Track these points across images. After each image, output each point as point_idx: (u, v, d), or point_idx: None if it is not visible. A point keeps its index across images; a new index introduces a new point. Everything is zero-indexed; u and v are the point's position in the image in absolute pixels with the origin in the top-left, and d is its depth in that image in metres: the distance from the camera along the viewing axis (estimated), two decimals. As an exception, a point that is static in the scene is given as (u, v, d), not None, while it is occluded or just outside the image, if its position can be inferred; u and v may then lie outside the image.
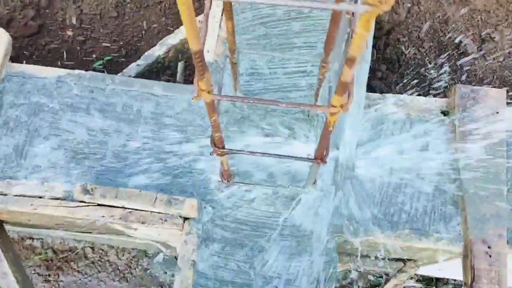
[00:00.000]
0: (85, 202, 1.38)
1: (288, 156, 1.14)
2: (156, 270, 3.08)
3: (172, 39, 1.77)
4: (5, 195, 1.39)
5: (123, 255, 3.13)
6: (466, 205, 1.34)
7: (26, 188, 1.40)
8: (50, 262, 3.07)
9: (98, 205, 1.39)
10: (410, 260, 1.61)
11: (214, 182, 1.40)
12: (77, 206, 1.38)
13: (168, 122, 1.47)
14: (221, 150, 1.09)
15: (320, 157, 1.09)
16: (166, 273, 3.09)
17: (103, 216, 1.37)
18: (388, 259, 1.63)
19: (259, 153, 1.10)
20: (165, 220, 1.37)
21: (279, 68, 1.50)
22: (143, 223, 1.37)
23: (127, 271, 3.09)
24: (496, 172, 1.37)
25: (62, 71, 1.54)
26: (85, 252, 3.10)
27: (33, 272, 3.04)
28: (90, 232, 1.71)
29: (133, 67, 1.74)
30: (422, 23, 2.72)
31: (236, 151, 1.10)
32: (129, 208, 1.38)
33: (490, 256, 1.30)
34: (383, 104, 1.48)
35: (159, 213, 1.38)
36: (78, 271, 3.07)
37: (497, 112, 1.43)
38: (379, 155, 1.43)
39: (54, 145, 1.46)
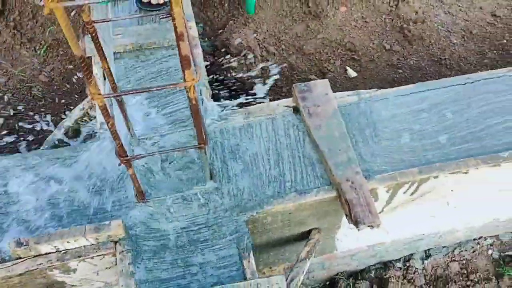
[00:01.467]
0: (21, 257, 1.55)
1: (180, 148, 1.48)
2: None
3: (68, 122, 2.09)
4: None
5: None
6: (326, 160, 1.77)
7: (-38, 265, 1.54)
8: None
9: (34, 256, 1.56)
10: (314, 229, 1.96)
11: (132, 205, 1.67)
12: (15, 264, 1.55)
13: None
14: (126, 158, 1.40)
15: (202, 142, 1.45)
16: None
17: (41, 264, 1.55)
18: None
19: (161, 151, 1.43)
20: (98, 248, 1.59)
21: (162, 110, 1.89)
22: (79, 257, 1.57)
23: None
24: (339, 131, 1.83)
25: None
26: None
27: None
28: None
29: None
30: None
31: (139, 156, 1.42)
32: (62, 251, 1.57)
33: (355, 188, 1.70)
34: (251, 115, 1.92)
35: (91, 244, 1.59)
36: None
37: (326, 94, 1.93)
38: (260, 150, 1.83)
39: (-18, 223, 1.64)
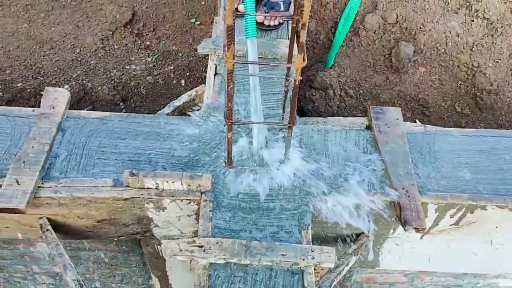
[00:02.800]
0: (129, 186, 1.95)
1: (269, 122, 1.84)
2: None
3: (177, 103, 2.55)
4: (70, 187, 1.94)
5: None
6: (388, 169, 2.05)
7: (85, 182, 1.96)
8: None
9: (139, 188, 1.95)
10: (362, 233, 2.20)
11: (220, 167, 2.04)
12: (125, 190, 1.94)
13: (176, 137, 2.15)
14: (231, 121, 1.78)
15: (292, 122, 1.81)
16: None
17: (142, 194, 1.93)
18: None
19: (260, 122, 1.80)
20: (188, 193, 1.95)
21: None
22: (172, 196, 1.94)
23: None
24: (402, 150, 2.12)
25: (106, 114, 2.23)
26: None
27: None
28: (121, 236, 2.18)
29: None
30: (348, 113, 3.69)
31: (242, 122, 1.79)
32: (160, 189, 1.95)
33: (408, 196, 1.96)
34: (328, 123, 2.26)
35: (183, 190, 1.96)
36: None
37: (397, 119, 2.24)
38: (332, 151, 2.16)
39: (104, 157, 2.07)
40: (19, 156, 1.95)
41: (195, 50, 4.31)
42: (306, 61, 1.58)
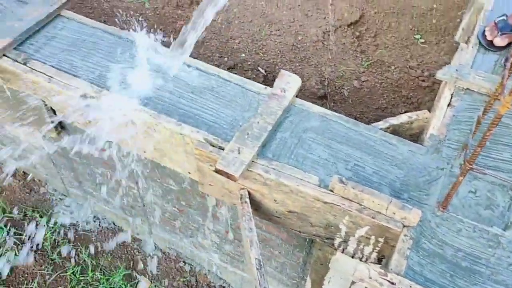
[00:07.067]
0: (334, 192, 1.92)
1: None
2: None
3: (394, 121, 2.43)
4: (279, 171, 1.99)
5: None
6: None
7: (294, 172, 1.99)
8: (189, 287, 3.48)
9: (342, 197, 1.91)
10: None
11: (430, 207, 1.87)
12: (328, 193, 1.92)
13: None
14: (471, 167, 1.60)
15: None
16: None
17: (343, 204, 1.89)
18: None
19: (508, 180, 1.58)
20: (390, 221, 1.84)
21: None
22: (373, 218, 1.85)
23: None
24: None
25: (326, 111, 2.23)
26: (223, 290, 3.47)
27: (171, 289, 3.45)
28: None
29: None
30: None
31: (484, 172, 1.61)
32: (363, 205, 1.88)
33: None
34: None
35: (385, 216, 1.86)
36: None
37: None
38: None
39: (315, 153, 2.08)
40: (245, 128, 2.07)
41: (409, 67, 4.11)
42: None
